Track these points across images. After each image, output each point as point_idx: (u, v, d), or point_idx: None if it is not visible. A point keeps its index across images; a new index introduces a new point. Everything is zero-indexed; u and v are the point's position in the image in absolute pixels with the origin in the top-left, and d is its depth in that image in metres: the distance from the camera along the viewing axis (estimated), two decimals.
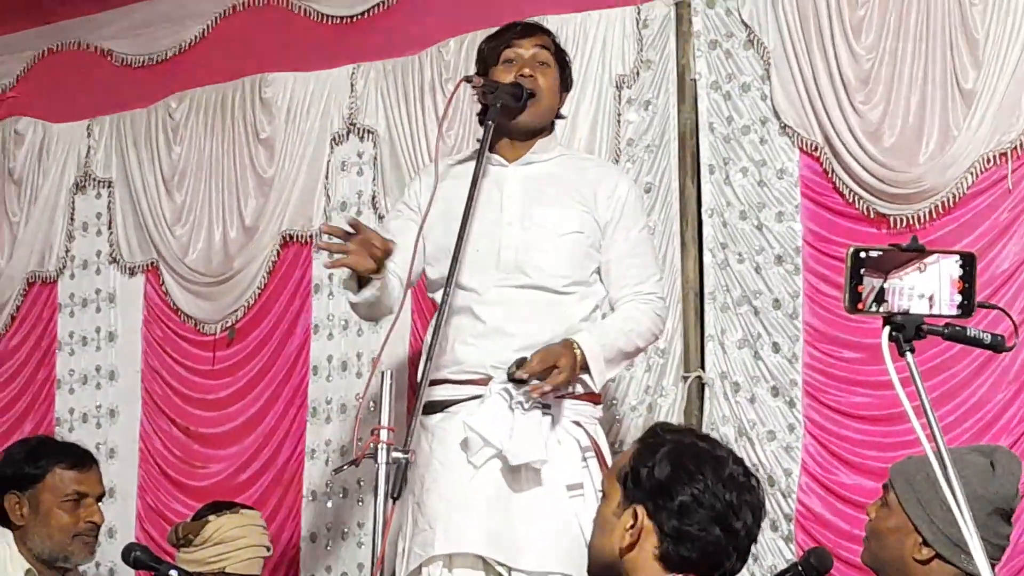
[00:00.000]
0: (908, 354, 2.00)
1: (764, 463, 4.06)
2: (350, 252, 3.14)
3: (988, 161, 3.89)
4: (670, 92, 4.34)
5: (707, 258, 4.24)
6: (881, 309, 2.00)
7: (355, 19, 4.94)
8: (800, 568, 2.93)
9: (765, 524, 3.98)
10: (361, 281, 3.22)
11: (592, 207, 3.39)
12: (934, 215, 3.96)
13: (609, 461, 3.27)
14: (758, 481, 2.38)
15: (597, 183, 3.43)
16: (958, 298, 2.02)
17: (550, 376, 3.14)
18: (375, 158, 4.82)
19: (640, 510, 2.31)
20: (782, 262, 4.16)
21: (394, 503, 2.84)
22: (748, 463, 3.95)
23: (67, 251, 5.44)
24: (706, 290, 4.24)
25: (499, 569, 3.17)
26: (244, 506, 4.08)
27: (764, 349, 4.14)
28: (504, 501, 3.19)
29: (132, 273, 5.31)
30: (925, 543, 2.65)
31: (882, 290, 2.01)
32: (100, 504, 3.63)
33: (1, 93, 5.70)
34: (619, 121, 4.38)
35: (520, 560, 3.15)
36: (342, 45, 4.95)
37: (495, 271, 3.32)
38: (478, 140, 3.41)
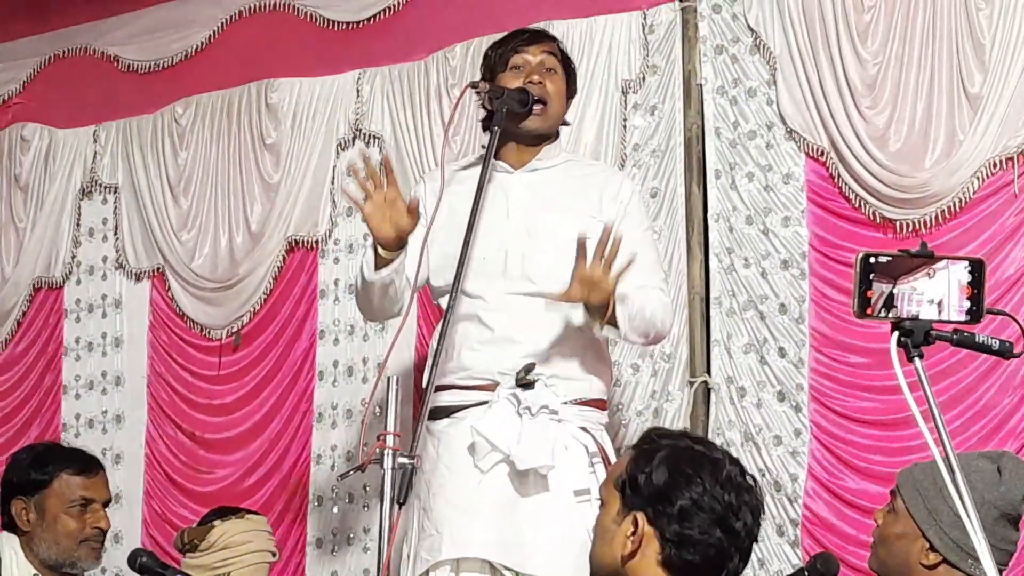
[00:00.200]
0: (917, 359, 2.00)
1: (770, 468, 4.06)
2: (372, 202, 3.19)
3: (994, 166, 3.89)
4: (676, 97, 4.34)
5: (713, 263, 4.24)
6: (890, 314, 2.01)
7: (361, 24, 4.94)
8: (806, 573, 2.93)
9: (771, 529, 4.00)
10: (378, 262, 3.25)
11: (597, 211, 3.39)
12: (940, 220, 3.95)
13: None
14: (755, 480, 2.38)
15: (602, 186, 3.43)
16: (967, 304, 2.02)
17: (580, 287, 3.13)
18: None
19: (640, 517, 2.30)
20: (788, 267, 4.16)
21: (400, 508, 2.83)
22: (754, 468, 4.02)
23: (73, 257, 5.45)
24: (712, 295, 4.24)
25: (506, 574, 3.17)
26: (250, 511, 4.08)
27: (770, 354, 4.14)
28: (511, 506, 3.19)
29: (138, 279, 5.32)
30: (932, 549, 2.66)
31: (891, 295, 2.01)
32: (106, 510, 3.63)
33: (7, 99, 5.71)
34: (625, 126, 4.38)
35: (527, 565, 3.15)
36: (348, 50, 4.96)
37: (502, 278, 3.32)
38: (483, 147, 3.41)
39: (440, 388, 3.28)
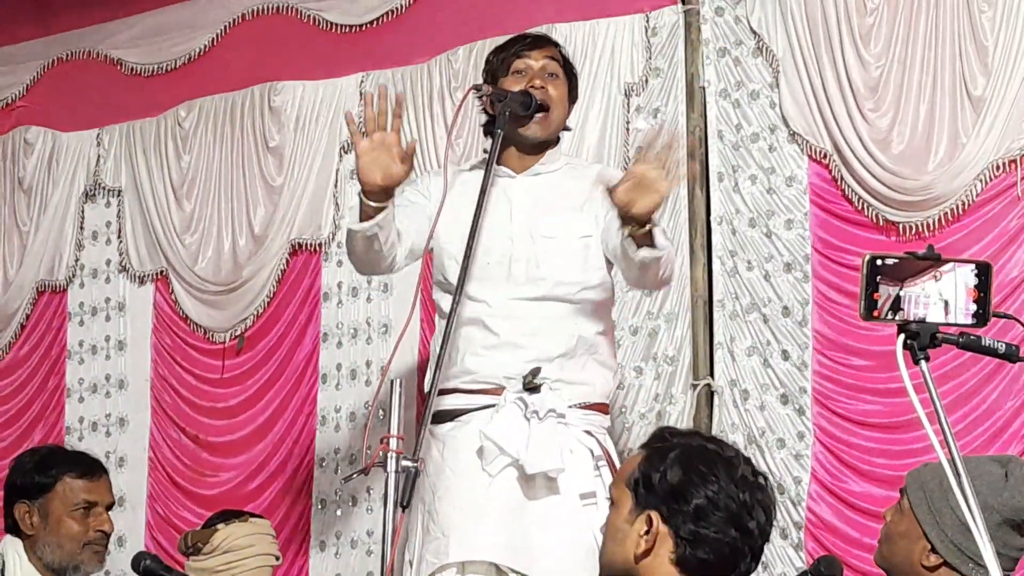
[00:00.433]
0: (923, 362, 2.00)
1: (774, 471, 4.06)
2: (369, 141, 3.14)
3: (997, 168, 3.90)
4: (679, 100, 4.34)
5: (716, 266, 4.24)
6: (897, 317, 2.01)
7: (364, 28, 4.95)
8: None
9: (775, 532, 4.00)
10: (363, 213, 3.20)
11: (597, 205, 3.38)
12: (943, 222, 3.95)
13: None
14: (766, 479, 2.37)
15: (598, 181, 3.44)
16: (973, 307, 2.02)
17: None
18: None
19: (654, 516, 2.29)
20: (791, 270, 4.16)
21: (403, 512, 2.83)
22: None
23: (76, 260, 5.45)
24: (715, 298, 4.24)
25: None
26: (254, 515, 4.07)
27: (773, 357, 4.14)
28: (519, 509, 3.19)
29: (141, 282, 5.32)
30: (933, 550, 2.65)
31: (898, 298, 2.01)
32: (110, 513, 3.63)
33: (11, 102, 5.72)
34: (628, 129, 4.39)
35: (535, 568, 3.15)
36: (351, 53, 4.96)
37: (506, 283, 3.32)
38: (484, 151, 3.41)
39: (443, 392, 3.27)
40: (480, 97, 3.42)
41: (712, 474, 2.29)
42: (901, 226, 4.00)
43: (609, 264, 3.40)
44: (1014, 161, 3.88)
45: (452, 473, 3.25)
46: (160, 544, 5.04)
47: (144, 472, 5.20)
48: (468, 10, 4.75)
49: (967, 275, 2.03)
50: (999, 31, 3.90)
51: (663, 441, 2.38)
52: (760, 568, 3.93)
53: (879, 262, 2.02)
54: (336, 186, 4.89)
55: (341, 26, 5.01)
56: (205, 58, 5.28)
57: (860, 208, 4.07)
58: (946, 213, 3.94)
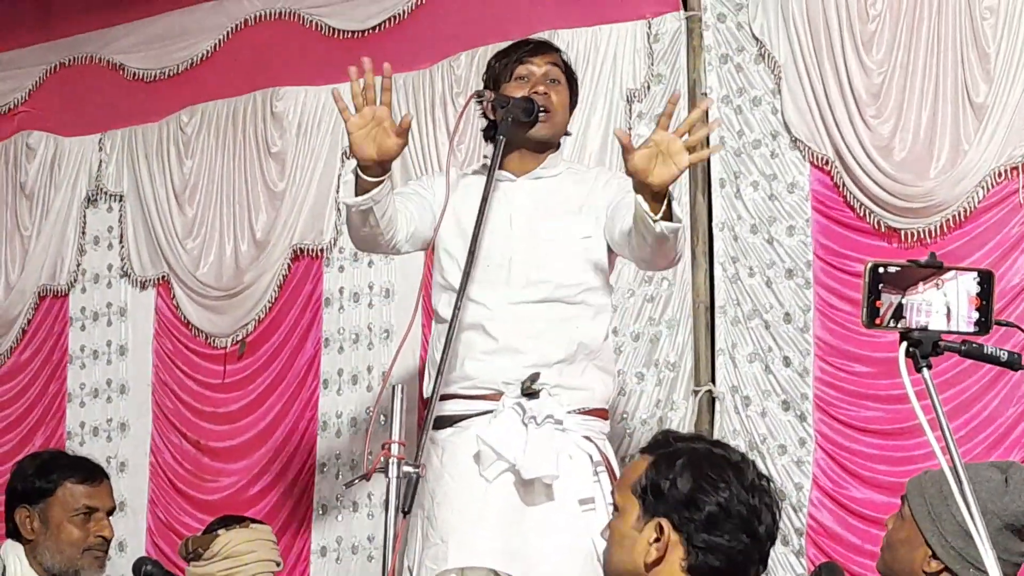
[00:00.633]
0: (925, 370, 2.00)
1: (775, 477, 4.06)
2: (360, 116, 3.08)
3: (999, 175, 3.90)
4: (681, 106, 4.34)
5: (718, 272, 4.24)
6: (899, 325, 2.01)
7: (366, 33, 4.95)
8: None
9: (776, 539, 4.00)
10: (358, 187, 3.15)
11: (597, 205, 3.38)
12: (945, 229, 3.96)
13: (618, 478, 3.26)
14: (770, 480, 2.37)
15: (596, 181, 3.44)
16: (975, 315, 2.02)
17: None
18: None
19: (664, 523, 2.28)
20: (793, 276, 4.16)
21: (405, 518, 2.83)
22: None
23: (78, 265, 5.45)
24: (717, 304, 4.24)
25: None
26: (255, 520, 4.07)
27: (775, 363, 4.14)
28: (517, 515, 3.19)
29: (143, 287, 5.32)
30: (934, 556, 2.65)
31: (900, 306, 2.01)
32: (111, 518, 3.63)
33: (13, 107, 5.72)
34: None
35: (532, 573, 3.14)
36: (353, 59, 4.91)
37: (506, 287, 3.32)
38: (485, 156, 3.41)
39: (443, 397, 3.27)
40: (481, 103, 3.42)
41: (722, 480, 2.28)
42: (903, 233, 4.00)
43: (611, 264, 3.41)
44: (1016, 168, 3.89)
45: (451, 479, 3.25)
46: (161, 549, 5.03)
47: (145, 477, 5.20)
48: (470, 16, 4.76)
49: (969, 283, 2.03)
50: (1001, 38, 3.91)
51: (667, 446, 2.36)
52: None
53: (881, 270, 2.02)
54: (338, 191, 4.89)
55: (343, 32, 5.01)
56: (207, 64, 5.29)
57: (862, 214, 4.07)
58: (948, 220, 3.94)
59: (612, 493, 2.49)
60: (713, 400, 4.21)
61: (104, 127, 5.45)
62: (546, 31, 4.40)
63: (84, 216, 5.47)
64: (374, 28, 4.93)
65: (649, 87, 4.41)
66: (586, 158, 4.32)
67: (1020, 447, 3.80)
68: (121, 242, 5.39)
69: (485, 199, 3.23)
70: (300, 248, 4.95)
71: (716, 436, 4.13)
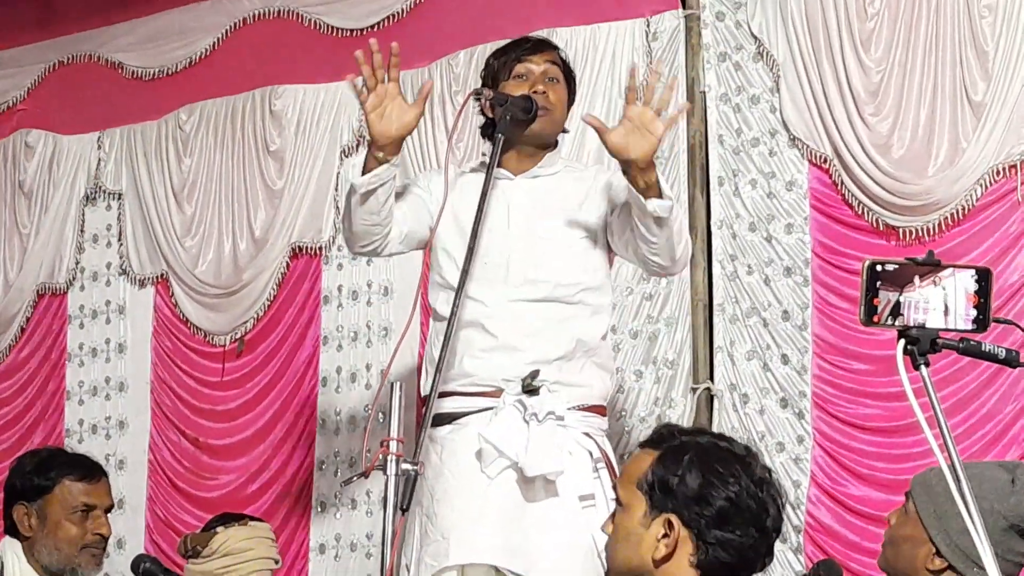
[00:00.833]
0: (923, 367, 2.00)
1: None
2: (375, 95, 3.14)
3: (997, 173, 3.90)
4: (679, 104, 4.34)
5: (716, 270, 4.24)
6: (897, 322, 2.01)
7: (365, 32, 4.95)
8: None
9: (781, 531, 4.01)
10: (367, 166, 3.20)
11: (596, 204, 3.38)
12: (943, 227, 3.96)
13: (619, 473, 3.26)
14: (771, 472, 2.36)
15: (595, 182, 3.44)
16: (973, 312, 2.03)
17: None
18: None
19: (674, 520, 2.28)
20: (791, 274, 4.16)
21: (403, 515, 2.83)
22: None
23: (77, 263, 5.45)
24: (715, 302, 4.24)
25: None
26: (253, 518, 4.07)
27: (773, 361, 4.14)
28: (517, 511, 3.18)
29: (142, 285, 5.33)
30: (938, 554, 2.65)
31: (898, 303, 2.01)
32: (109, 515, 3.63)
33: (12, 105, 5.72)
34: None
35: (533, 570, 3.14)
36: (352, 57, 4.95)
37: (504, 285, 3.32)
38: (483, 154, 3.41)
39: (442, 395, 3.26)
40: (480, 101, 3.42)
41: (731, 475, 2.27)
42: (901, 231, 4.00)
43: (610, 262, 3.41)
44: (1014, 166, 3.89)
45: (451, 476, 3.25)
46: (159, 547, 5.04)
47: (144, 475, 5.20)
48: (469, 14, 4.76)
49: (967, 280, 2.03)
50: (999, 36, 3.91)
51: (671, 439, 2.35)
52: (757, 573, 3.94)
53: (879, 268, 2.02)
54: (337, 190, 4.89)
55: (342, 30, 5.01)
56: (206, 62, 5.29)
57: (860, 212, 4.07)
58: (946, 218, 3.95)
59: (614, 488, 2.48)
60: (712, 398, 4.21)
61: (103, 125, 5.45)
62: (545, 29, 4.40)
63: (83, 214, 5.48)
64: (373, 26, 4.93)
65: (647, 82, 4.40)
66: (584, 156, 4.32)
67: (1018, 444, 3.80)
68: (120, 240, 5.39)
69: (484, 197, 3.23)
70: (299, 246, 4.95)
71: None
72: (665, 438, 2.37)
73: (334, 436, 4.82)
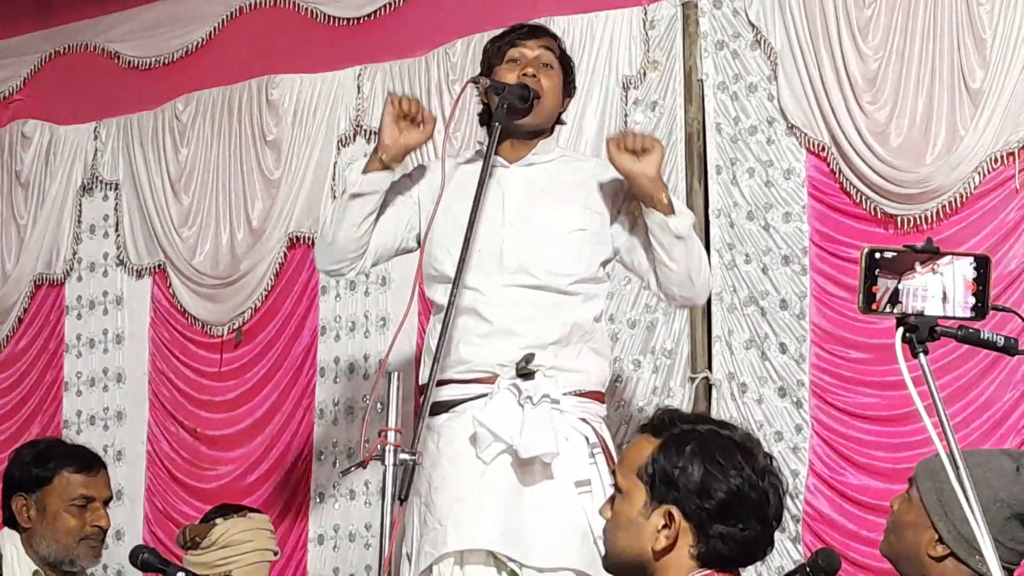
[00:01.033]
0: (922, 355, 2.00)
1: None
2: (408, 102, 3.40)
3: (995, 161, 3.90)
4: (677, 93, 4.34)
5: (714, 259, 4.24)
6: (895, 310, 2.00)
7: (362, 21, 4.95)
8: (808, 569, 2.92)
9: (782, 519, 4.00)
10: (368, 167, 3.35)
11: (594, 201, 3.38)
12: (941, 215, 3.96)
13: (616, 459, 3.26)
14: (772, 458, 2.35)
15: (593, 177, 3.43)
16: (971, 300, 2.02)
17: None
18: None
19: (675, 511, 2.26)
20: (789, 263, 4.16)
21: (402, 505, 2.83)
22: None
23: (74, 253, 5.45)
24: (713, 291, 4.23)
25: (510, 565, 3.16)
26: (252, 510, 4.07)
27: (771, 350, 4.14)
28: (514, 496, 3.18)
29: (139, 275, 5.32)
30: (941, 541, 2.64)
31: (896, 291, 2.01)
32: (108, 507, 3.63)
33: (8, 96, 5.71)
34: (626, 122, 4.38)
35: (530, 556, 3.14)
36: (349, 47, 4.96)
37: (498, 271, 3.31)
38: (479, 142, 3.41)
39: (439, 383, 3.26)
40: (478, 88, 3.42)
41: (733, 467, 2.25)
42: (899, 219, 4.00)
43: (607, 259, 3.40)
44: (1012, 153, 3.88)
45: (448, 463, 3.24)
46: (158, 538, 5.04)
47: (142, 466, 5.20)
48: (466, 3, 4.75)
49: (966, 268, 2.03)
50: (997, 23, 3.90)
51: (672, 428, 2.32)
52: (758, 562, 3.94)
53: (877, 255, 2.02)
54: (334, 179, 4.89)
55: (339, 19, 5.00)
56: (203, 51, 5.28)
57: (858, 201, 4.07)
58: (944, 206, 3.94)
59: (613, 474, 2.46)
60: (710, 387, 4.21)
61: (100, 115, 5.45)
62: (542, 18, 4.39)
63: (80, 204, 5.47)
64: (370, 15, 4.92)
65: (645, 74, 4.40)
66: (582, 145, 4.32)
67: (1017, 432, 3.80)
68: (117, 230, 5.39)
69: (482, 184, 3.23)
70: (296, 236, 4.95)
71: None
72: (666, 425, 2.34)
73: (332, 426, 4.82)
